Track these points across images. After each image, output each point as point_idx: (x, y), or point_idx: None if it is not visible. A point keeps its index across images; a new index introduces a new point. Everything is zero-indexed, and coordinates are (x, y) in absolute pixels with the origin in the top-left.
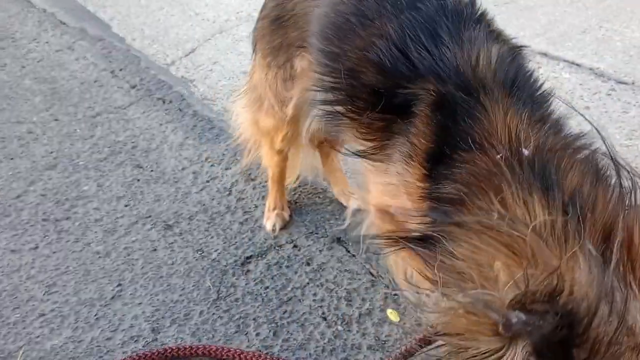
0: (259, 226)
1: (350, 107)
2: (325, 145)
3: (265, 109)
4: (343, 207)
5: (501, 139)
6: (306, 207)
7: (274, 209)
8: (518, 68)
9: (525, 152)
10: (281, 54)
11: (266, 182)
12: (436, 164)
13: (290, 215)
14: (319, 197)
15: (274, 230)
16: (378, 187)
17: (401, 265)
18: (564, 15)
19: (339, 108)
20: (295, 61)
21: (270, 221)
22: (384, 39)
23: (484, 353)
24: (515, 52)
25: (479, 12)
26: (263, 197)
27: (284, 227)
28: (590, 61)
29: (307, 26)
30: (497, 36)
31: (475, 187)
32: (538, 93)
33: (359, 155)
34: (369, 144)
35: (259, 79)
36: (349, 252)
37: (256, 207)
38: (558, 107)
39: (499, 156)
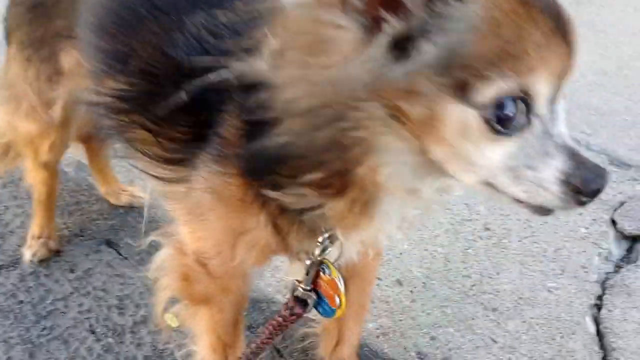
0: (10, 231)
1: (146, 115)
2: (92, 140)
3: (25, 110)
4: (112, 206)
5: None
6: (69, 206)
7: (39, 237)
8: None
9: None
10: (44, 46)
11: (19, 179)
12: None
13: (58, 250)
14: (83, 195)
15: (31, 262)
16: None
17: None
18: None
19: (132, 117)
20: (61, 56)
21: (31, 250)
22: (183, 33)
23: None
24: None
25: None
26: (15, 197)
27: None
28: None
29: (76, 15)
30: None
31: None
32: None
33: (160, 180)
34: (170, 165)
35: (16, 75)
36: (120, 254)
37: (7, 208)
38: None
39: None
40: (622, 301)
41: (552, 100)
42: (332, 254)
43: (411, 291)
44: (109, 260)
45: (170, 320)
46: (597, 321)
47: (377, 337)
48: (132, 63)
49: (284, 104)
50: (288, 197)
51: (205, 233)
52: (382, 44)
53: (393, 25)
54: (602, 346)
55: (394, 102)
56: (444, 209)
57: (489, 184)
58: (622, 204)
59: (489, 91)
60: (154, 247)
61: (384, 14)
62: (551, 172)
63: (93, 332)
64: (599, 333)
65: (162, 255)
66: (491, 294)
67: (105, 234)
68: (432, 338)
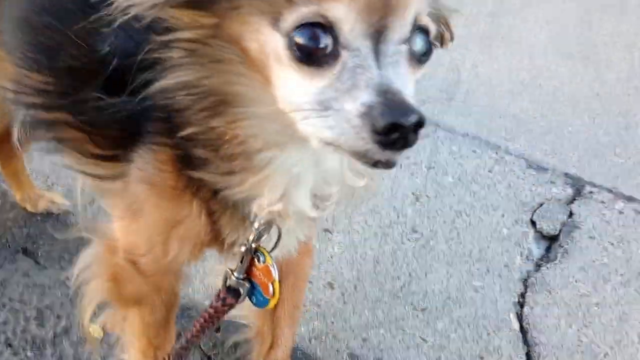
0: None
1: (75, 113)
2: (4, 142)
3: None
4: (28, 213)
5: None
6: None
7: None
8: None
9: None
10: None
11: None
12: None
13: None
14: None
15: None
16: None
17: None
18: None
19: (61, 116)
20: None
21: None
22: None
23: None
24: None
25: None
26: None
27: None
28: None
29: None
30: None
31: None
32: None
33: (96, 178)
34: (105, 162)
35: None
36: (38, 263)
37: None
38: None
39: None
40: (543, 298)
41: (380, 39)
42: (268, 242)
43: (342, 294)
44: (26, 270)
45: (94, 331)
46: (520, 318)
47: (310, 340)
48: (60, 58)
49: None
50: (209, 176)
51: (139, 227)
52: None
53: None
54: (526, 342)
55: (235, 38)
56: (369, 207)
57: (309, 125)
58: (540, 205)
59: (291, 17)
60: (76, 254)
61: None
62: (356, 105)
63: (10, 346)
64: (523, 329)
65: (89, 255)
66: (420, 294)
67: (21, 242)
68: (364, 340)
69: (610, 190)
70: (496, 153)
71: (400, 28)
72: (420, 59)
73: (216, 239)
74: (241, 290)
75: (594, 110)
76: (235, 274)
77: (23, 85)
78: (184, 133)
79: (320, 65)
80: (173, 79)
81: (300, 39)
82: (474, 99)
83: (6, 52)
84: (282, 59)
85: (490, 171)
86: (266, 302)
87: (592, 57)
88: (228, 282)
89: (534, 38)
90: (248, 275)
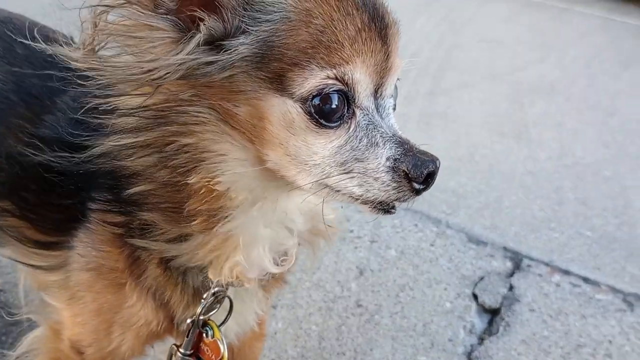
0: None
1: (17, 201)
2: None
3: None
4: None
5: None
6: None
7: None
8: None
9: None
10: None
11: None
12: None
13: None
14: None
15: None
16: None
17: None
18: None
19: (5, 204)
20: None
21: None
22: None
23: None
24: None
25: None
26: None
27: None
28: None
29: None
30: None
31: None
32: None
33: (38, 269)
34: (46, 251)
35: None
36: None
37: None
38: None
39: None
40: None
41: (378, 95)
42: (218, 315)
43: None
44: None
45: None
46: None
47: None
48: (2, 148)
49: (113, 104)
50: (155, 244)
51: (84, 317)
52: (197, 41)
53: (209, 24)
54: None
55: (219, 102)
56: (318, 287)
57: (324, 185)
58: (481, 278)
59: (306, 82)
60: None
61: (200, 13)
62: (380, 161)
63: None
64: None
65: (35, 336)
66: None
67: None
68: None
69: (547, 264)
70: (437, 227)
71: (391, 85)
72: (394, 108)
73: (170, 324)
74: None
75: (528, 187)
76: (182, 349)
77: None
78: (134, 190)
79: (335, 125)
80: (129, 139)
81: (319, 103)
82: None
83: None
84: (294, 122)
85: (432, 245)
86: None
87: (524, 135)
88: (174, 359)
89: (469, 117)
90: (195, 351)
